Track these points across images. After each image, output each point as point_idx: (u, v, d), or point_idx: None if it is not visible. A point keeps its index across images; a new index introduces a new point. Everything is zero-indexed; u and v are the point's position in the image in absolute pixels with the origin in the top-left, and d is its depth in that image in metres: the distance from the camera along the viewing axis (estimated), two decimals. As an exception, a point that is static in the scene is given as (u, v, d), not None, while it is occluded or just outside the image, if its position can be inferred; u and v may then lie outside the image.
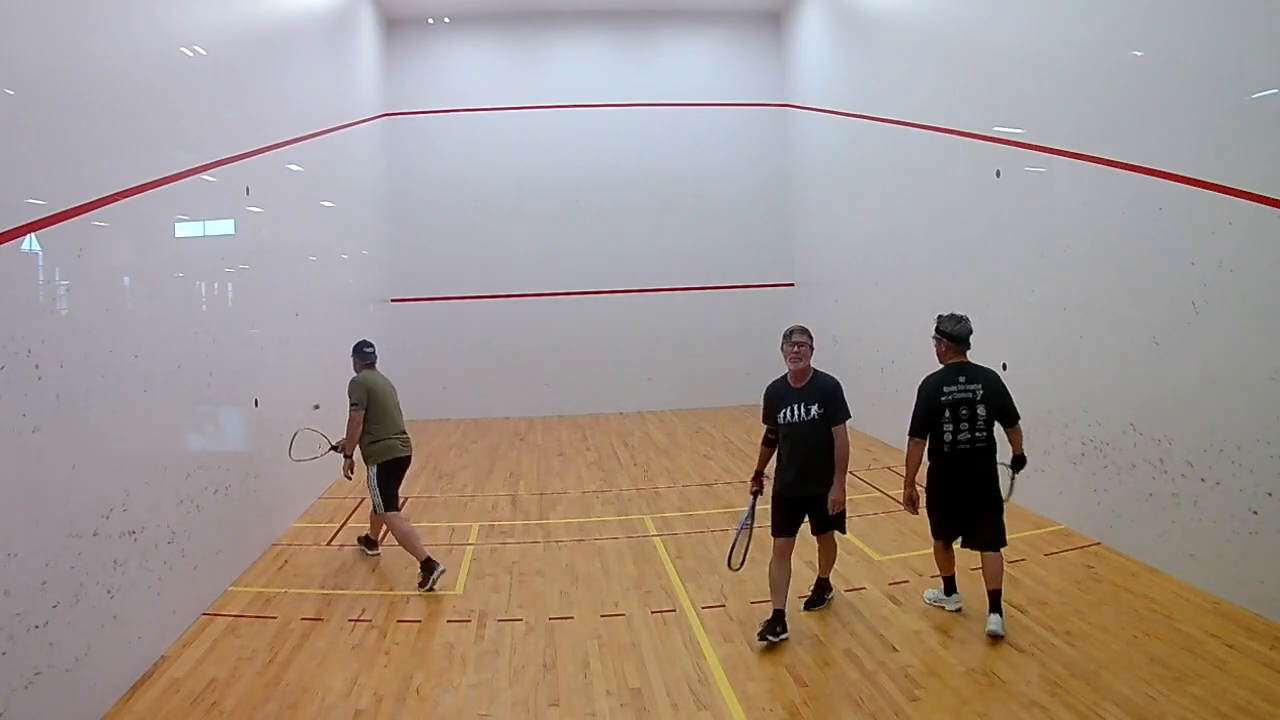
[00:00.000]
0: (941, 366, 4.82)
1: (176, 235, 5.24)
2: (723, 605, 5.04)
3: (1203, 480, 4.85)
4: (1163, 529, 5.18)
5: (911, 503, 4.75)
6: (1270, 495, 4.39)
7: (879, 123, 9.38)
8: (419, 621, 4.93)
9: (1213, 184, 4.68)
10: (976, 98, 7.25)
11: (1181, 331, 4.97)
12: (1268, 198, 4.32)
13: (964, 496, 4.61)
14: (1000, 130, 6.86)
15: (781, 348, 4.61)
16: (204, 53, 5.54)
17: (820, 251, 11.77)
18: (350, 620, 4.94)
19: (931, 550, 4.94)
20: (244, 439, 6.10)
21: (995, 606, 4.43)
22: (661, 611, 4.99)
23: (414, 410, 11.95)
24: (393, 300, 12.02)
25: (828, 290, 11.51)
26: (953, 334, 4.82)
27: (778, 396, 4.63)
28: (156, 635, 4.45)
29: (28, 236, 3.56)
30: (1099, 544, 5.70)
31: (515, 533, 6.71)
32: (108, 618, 3.95)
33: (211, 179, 5.59)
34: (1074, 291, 6.02)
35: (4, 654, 3.21)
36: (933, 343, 4.93)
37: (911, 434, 4.69)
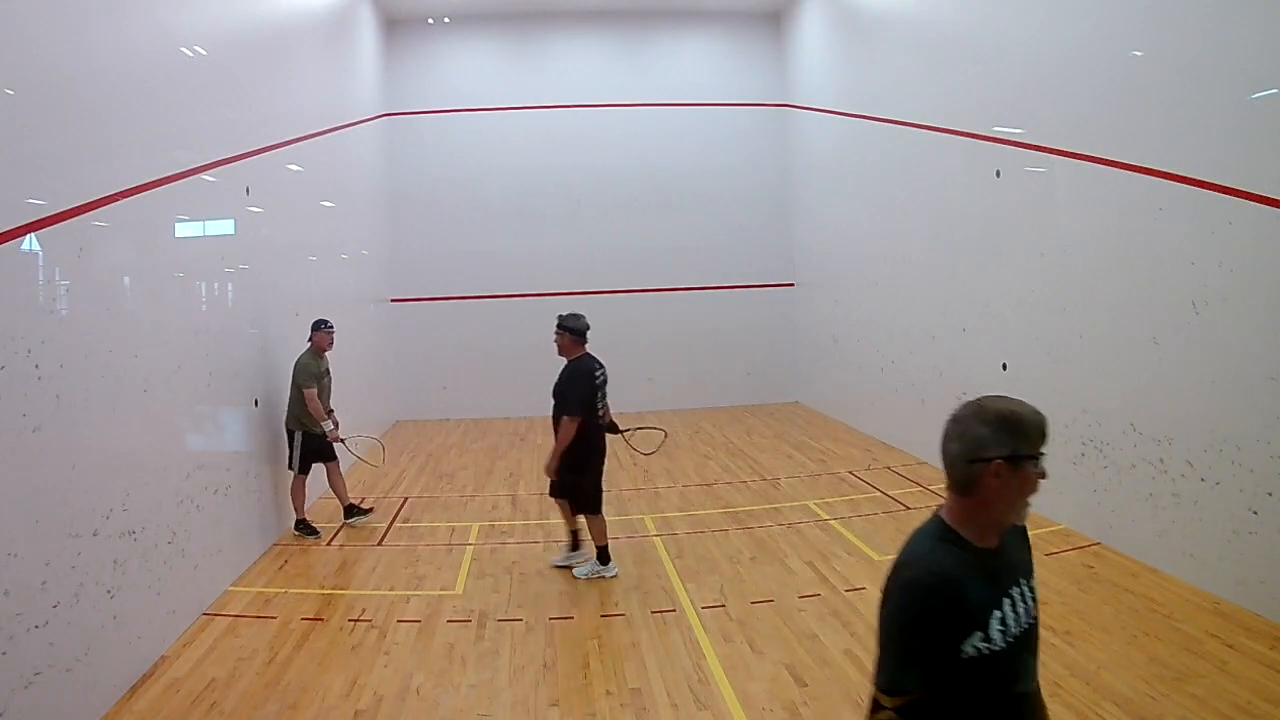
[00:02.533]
0: (579, 356, 5.83)
1: (176, 235, 5.24)
2: (723, 605, 5.04)
3: (1203, 480, 4.85)
4: (1163, 529, 5.18)
5: (558, 471, 5.56)
6: (1270, 495, 4.39)
7: (879, 123, 9.38)
8: (419, 621, 4.93)
9: (1213, 184, 4.67)
10: (976, 98, 7.25)
11: (1181, 331, 4.97)
12: (1268, 198, 4.32)
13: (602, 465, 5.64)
14: (1000, 130, 6.86)
15: (994, 465, 1.74)
16: (204, 53, 5.54)
17: (820, 251, 11.77)
18: (350, 620, 4.94)
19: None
20: (244, 439, 6.10)
21: (608, 557, 5.62)
22: (661, 611, 4.99)
23: (414, 410, 12.10)
24: (393, 300, 12.02)
25: (828, 290, 11.51)
26: (578, 329, 5.78)
27: (962, 586, 1.64)
28: (156, 635, 4.45)
29: (28, 236, 3.56)
30: (1099, 544, 5.70)
31: (515, 533, 6.71)
32: (108, 618, 3.95)
33: (211, 179, 5.59)
34: (1074, 291, 6.01)
35: (4, 654, 3.20)
36: (556, 337, 5.87)
37: (574, 414, 5.46)
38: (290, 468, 6.61)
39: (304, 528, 6.65)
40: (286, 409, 6.64)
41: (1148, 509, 5.31)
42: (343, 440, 6.84)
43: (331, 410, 6.88)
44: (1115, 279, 5.58)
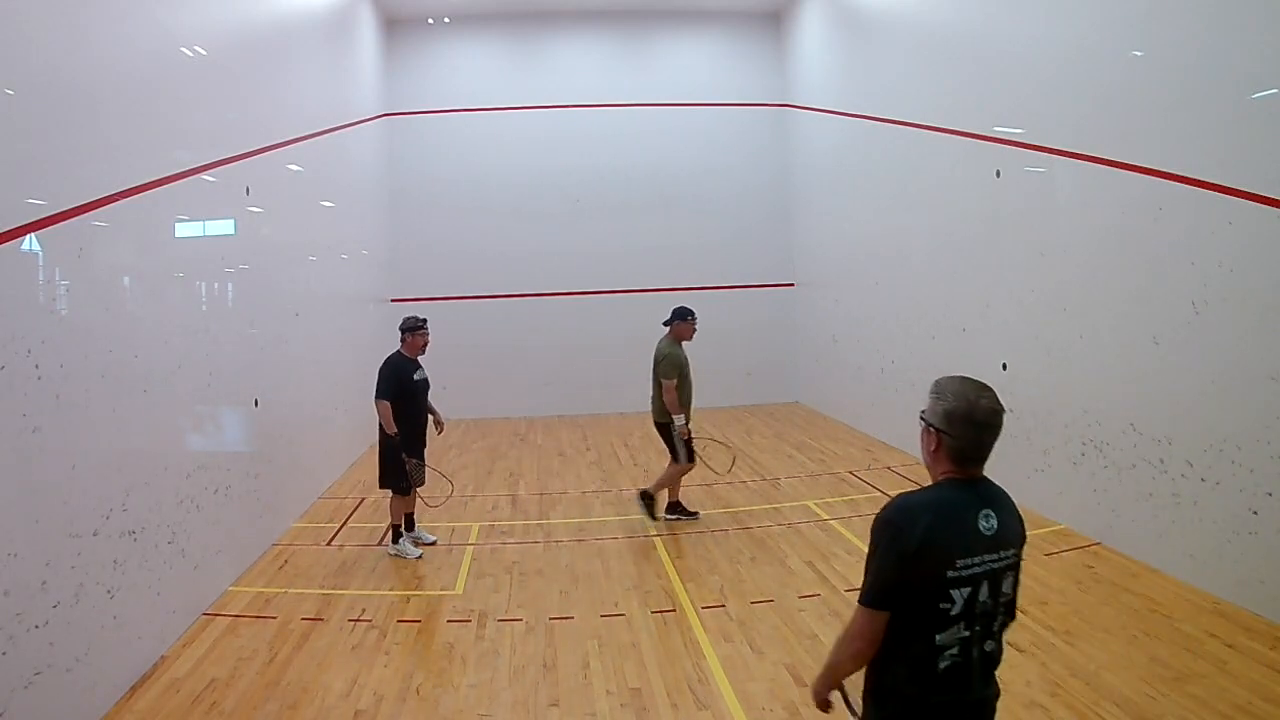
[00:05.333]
0: (399, 354, 6.15)
1: (176, 235, 5.24)
2: (723, 605, 5.04)
3: (1203, 480, 4.85)
4: (1163, 529, 5.18)
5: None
6: (1270, 495, 4.39)
7: (879, 123, 9.38)
8: (419, 621, 4.93)
9: (1213, 184, 4.68)
10: (976, 98, 7.25)
11: (1181, 331, 4.97)
12: (1268, 198, 4.32)
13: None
14: (1000, 130, 6.86)
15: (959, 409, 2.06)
16: (204, 53, 5.54)
17: (820, 251, 11.77)
18: (350, 620, 4.94)
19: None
20: (244, 439, 6.10)
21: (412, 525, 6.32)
22: (661, 611, 4.99)
23: (414, 410, 12.06)
24: (393, 300, 12.01)
25: (828, 290, 11.51)
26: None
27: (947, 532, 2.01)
28: (156, 635, 4.45)
29: (28, 236, 3.56)
30: (1099, 544, 5.70)
31: (515, 533, 6.71)
32: (108, 618, 3.95)
33: (211, 179, 5.59)
34: (1074, 291, 6.02)
35: (4, 654, 3.21)
36: (407, 336, 6.17)
37: (382, 397, 5.94)
38: (677, 461, 6.51)
39: (679, 510, 6.72)
40: (651, 403, 6.57)
41: (1148, 509, 5.31)
42: (689, 438, 6.51)
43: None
44: (1115, 279, 5.58)
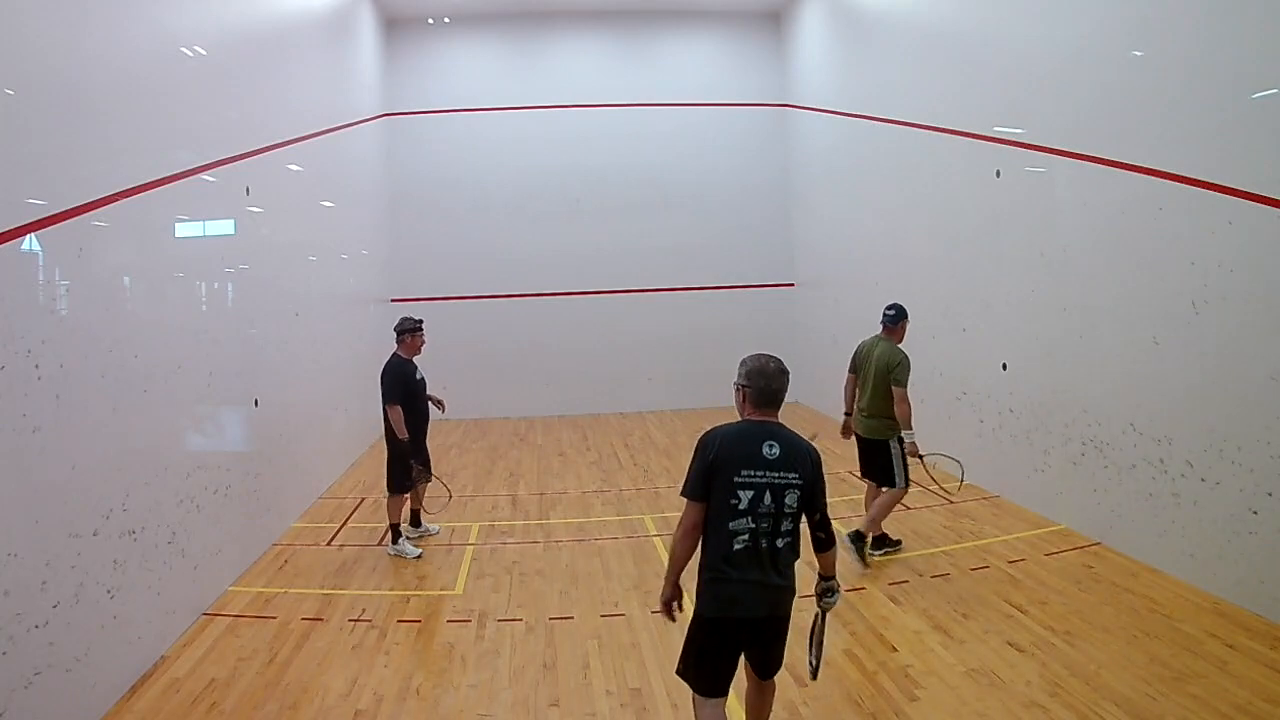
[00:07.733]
0: (399, 357, 6.21)
1: (176, 235, 5.24)
2: (723, 605, 5.03)
3: (1203, 480, 4.85)
4: (1163, 529, 5.18)
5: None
6: (1270, 495, 4.39)
7: (879, 123, 9.38)
8: (419, 621, 4.93)
9: (1213, 184, 4.68)
10: (976, 98, 7.25)
11: (1181, 331, 4.97)
12: (1268, 198, 4.32)
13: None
14: (1000, 130, 6.86)
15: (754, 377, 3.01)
16: (204, 53, 5.54)
17: (820, 251, 11.77)
18: (350, 620, 4.94)
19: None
20: (244, 439, 6.10)
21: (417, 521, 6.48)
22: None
23: (414, 410, 12.06)
24: (393, 300, 12.01)
25: (828, 290, 11.51)
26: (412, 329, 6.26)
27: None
28: (156, 635, 4.45)
29: (28, 236, 3.56)
30: (1099, 544, 5.70)
31: (515, 533, 6.71)
32: (108, 618, 3.95)
33: (211, 179, 5.59)
34: (1074, 291, 6.02)
35: (4, 654, 3.20)
36: (406, 337, 6.23)
37: (393, 402, 6.01)
38: (894, 485, 5.58)
39: (885, 543, 5.77)
40: (869, 415, 5.56)
41: (1148, 509, 5.31)
42: (921, 457, 5.50)
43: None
44: (1115, 279, 5.58)
